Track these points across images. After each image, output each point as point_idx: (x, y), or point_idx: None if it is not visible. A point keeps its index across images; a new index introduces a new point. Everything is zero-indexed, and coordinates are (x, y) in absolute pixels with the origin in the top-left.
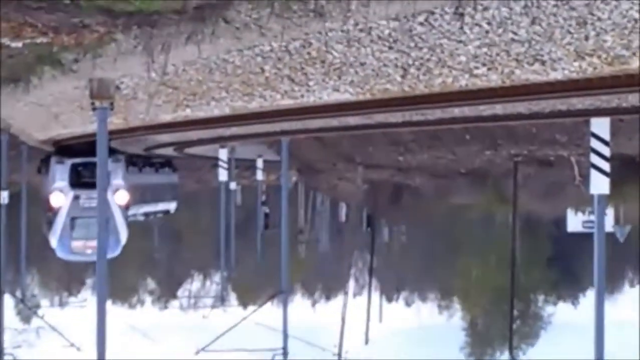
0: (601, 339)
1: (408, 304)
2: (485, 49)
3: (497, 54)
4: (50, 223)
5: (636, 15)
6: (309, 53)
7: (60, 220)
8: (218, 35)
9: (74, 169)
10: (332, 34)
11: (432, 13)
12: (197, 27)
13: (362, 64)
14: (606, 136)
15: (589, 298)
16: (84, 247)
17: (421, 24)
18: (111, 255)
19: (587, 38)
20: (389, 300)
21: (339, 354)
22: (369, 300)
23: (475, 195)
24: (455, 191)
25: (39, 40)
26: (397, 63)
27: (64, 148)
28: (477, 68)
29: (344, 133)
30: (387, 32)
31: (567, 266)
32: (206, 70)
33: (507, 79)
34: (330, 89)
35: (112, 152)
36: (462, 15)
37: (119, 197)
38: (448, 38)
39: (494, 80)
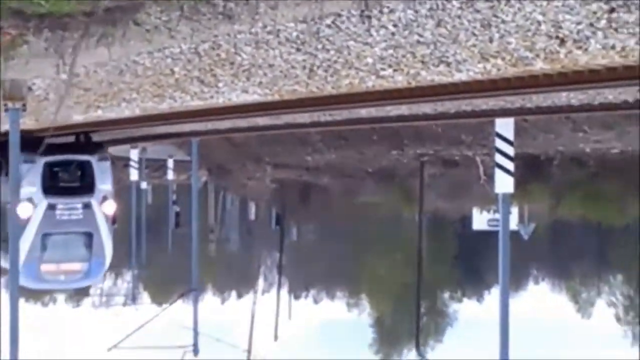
0: (506, 335)
1: (316, 301)
2: (391, 51)
3: (403, 56)
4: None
5: (539, 18)
6: (218, 55)
7: (28, 238)
8: (128, 38)
9: (49, 169)
10: (240, 36)
11: (339, 15)
12: (107, 30)
13: (270, 66)
14: (510, 136)
15: (494, 295)
16: (56, 272)
17: (328, 26)
18: (91, 282)
19: (491, 40)
20: (298, 297)
21: (249, 351)
22: (278, 297)
23: (383, 194)
24: (363, 190)
25: None
26: (304, 65)
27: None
28: (383, 69)
29: (253, 133)
30: (294, 34)
31: (472, 264)
32: (117, 71)
33: (412, 80)
34: (239, 90)
35: (95, 147)
36: (368, 17)
37: (107, 208)
38: (355, 40)
39: (400, 81)
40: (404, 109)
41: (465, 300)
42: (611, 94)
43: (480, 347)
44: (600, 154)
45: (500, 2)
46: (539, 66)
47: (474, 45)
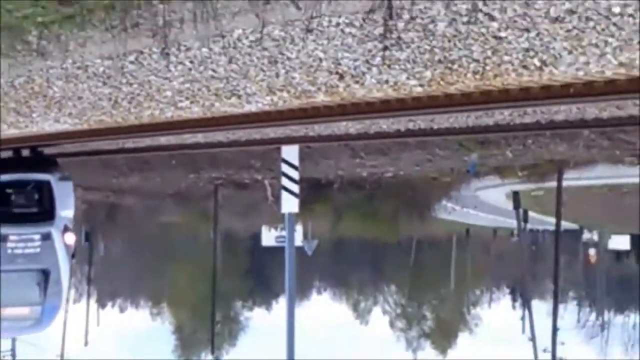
0: (292, 339)
1: (122, 310)
2: (188, 85)
3: (199, 89)
4: None
5: (321, 55)
6: (32, 88)
7: None
8: None
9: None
10: (52, 71)
11: (142, 52)
12: None
13: (79, 98)
14: (295, 161)
15: (281, 304)
16: (12, 316)
17: (132, 62)
18: (41, 330)
19: (277, 75)
20: (105, 306)
21: (61, 355)
22: (87, 306)
23: (181, 214)
24: (164, 210)
25: None
26: (110, 97)
27: None
28: (181, 101)
29: (64, 160)
30: (101, 69)
31: (262, 276)
32: None
33: (207, 111)
34: (51, 120)
35: (47, 162)
36: (167, 54)
37: (68, 239)
38: (156, 75)
39: (196, 112)
40: (200, 137)
41: (256, 308)
42: (385, 124)
43: (269, 350)
44: (375, 177)
45: (286, 41)
46: (321, 98)
47: (263, 80)
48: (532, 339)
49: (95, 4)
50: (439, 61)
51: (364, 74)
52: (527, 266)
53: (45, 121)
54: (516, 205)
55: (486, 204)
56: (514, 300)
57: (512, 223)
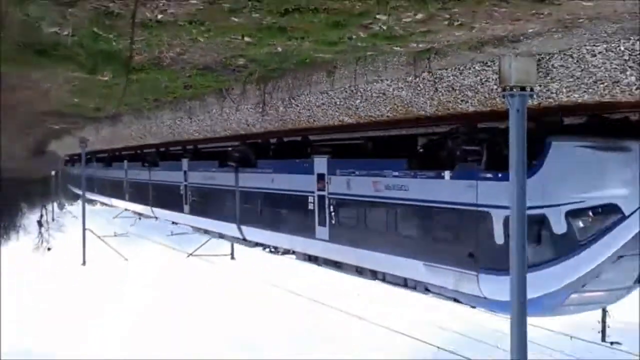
0: None
1: None
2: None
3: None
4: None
5: (239, 119)
6: (145, 127)
7: (584, 264)
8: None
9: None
10: (152, 123)
11: (181, 118)
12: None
13: (162, 132)
14: None
15: None
16: (577, 302)
17: (179, 121)
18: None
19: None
20: None
21: None
22: None
23: None
24: None
25: None
26: (170, 132)
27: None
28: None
29: None
30: (168, 123)
31: None
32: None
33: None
34: (151, 140)
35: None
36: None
37: None
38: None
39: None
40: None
41: None
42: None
43: None
44: None
45: (222, 115)
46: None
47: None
48: None
49: (166, 101)
50: (280, 120)
51: (254, 124)
52: None
53: (151, 140)
54: None
55: None
56: None
57: None
